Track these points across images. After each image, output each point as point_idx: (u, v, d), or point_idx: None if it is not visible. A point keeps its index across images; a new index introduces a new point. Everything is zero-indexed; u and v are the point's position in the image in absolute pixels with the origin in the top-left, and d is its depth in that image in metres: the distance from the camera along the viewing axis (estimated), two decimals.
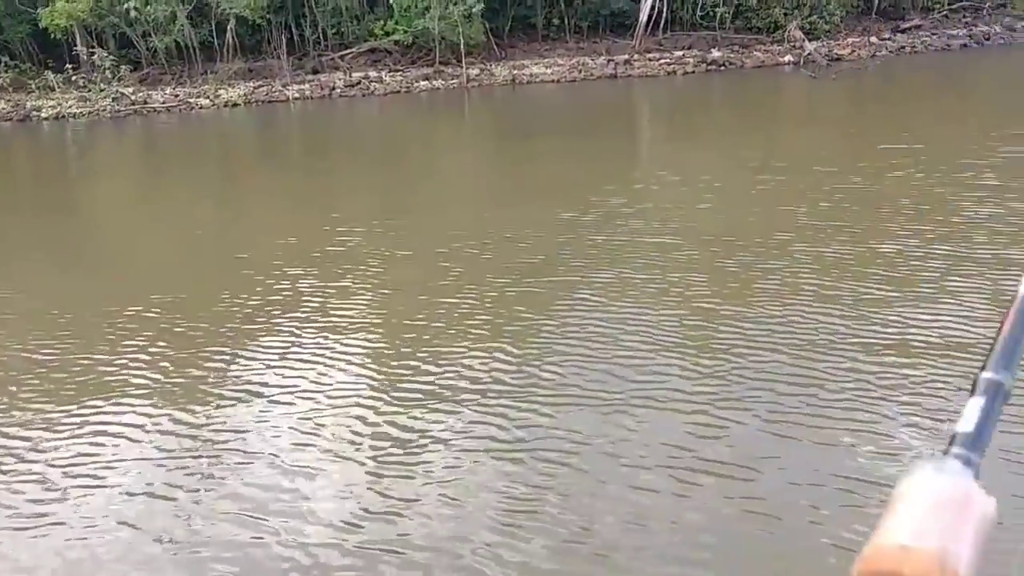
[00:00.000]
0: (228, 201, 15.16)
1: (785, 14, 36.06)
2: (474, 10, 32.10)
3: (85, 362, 6.87)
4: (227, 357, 6.71)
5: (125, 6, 30.47)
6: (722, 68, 32.94)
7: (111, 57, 30.13)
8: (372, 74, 33.61)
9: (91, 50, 30.27)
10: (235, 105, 30.10)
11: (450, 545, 4.09)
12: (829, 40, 35.93)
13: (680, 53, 34.73)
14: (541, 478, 4.67)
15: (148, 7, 30.77)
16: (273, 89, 31.66)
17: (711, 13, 35.38)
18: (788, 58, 33.36)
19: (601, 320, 7.00)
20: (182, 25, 32.12)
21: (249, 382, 6.21)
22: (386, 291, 8.41)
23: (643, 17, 34.93)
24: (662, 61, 33.71)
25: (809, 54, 32.60)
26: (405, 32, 33.36)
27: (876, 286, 7.08)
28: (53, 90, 30.14)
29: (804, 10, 35.83)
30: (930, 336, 5.92)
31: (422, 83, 32.73)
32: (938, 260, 7.48)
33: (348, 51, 35.49)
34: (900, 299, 6.75)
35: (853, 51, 35.02)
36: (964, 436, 0.70)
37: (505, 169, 16.19)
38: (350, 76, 33.34)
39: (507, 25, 38.59)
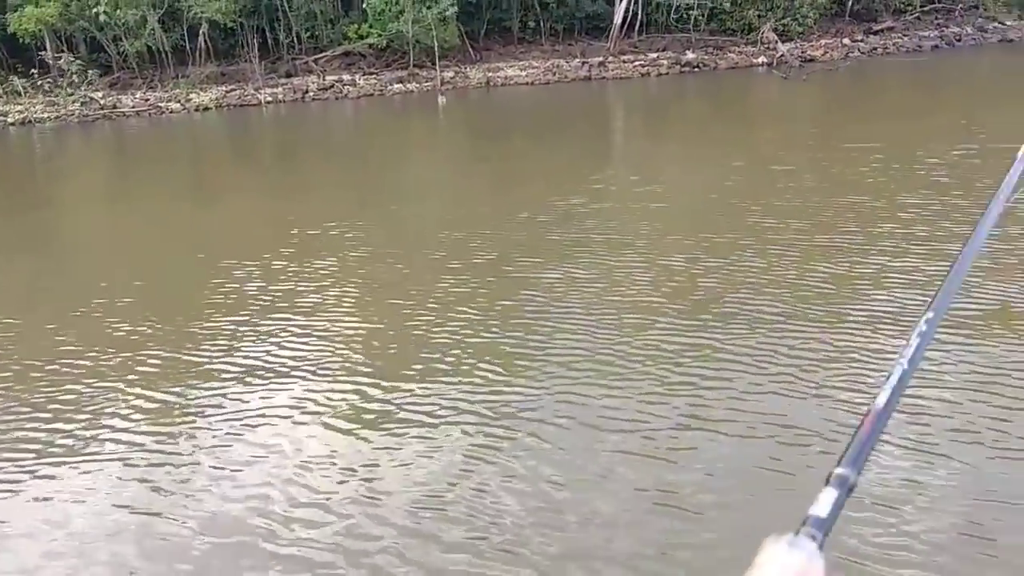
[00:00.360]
0: (192, 201, 14.99)
1: (759, 16, 36.28)
2: (447, 13, 32.06)
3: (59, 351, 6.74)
4: (178, 350, 6.59)
5: (95, 10, 30.18)
6: (696, 69, 33.08)
7: (78, 62, 29.84)
8: (346, 77, 33.48)
9: (57, 55, 29.93)
10: (207, 109, 29.88)
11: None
12: (802, 42, 36.18)
13: (654, 55, 34.85)
14: (457, 471, 4.61)
15: (118, 11, 30.48)
16: (245, 93, 31.47)
17: (685, 16, 35.52)
18: (761, 59, 33.57)
19: (542, 316, 6.95)
20: (153, 29, 31.86)
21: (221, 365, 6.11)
22: (337, 288, 8.30)
23: (617, 19, 35.03)
24: (636, 63, 33.80)
25: (782, 55, 32.80)
26: (379, 35, 33.26)
27: (816, 282, 7.08)
28: (20, 95, 29.77)
29: (777, 12, 36.06)
30: (854, 336, 5.90)
31: (396, 86, 32.62)
32: (879, 254, 7.48)
33: (322, 55, 35.33)
34: (836, 295, 6.75)
35: (826, 52, 35.29)
36: (815, 519, 0.83)
37: (469, 170, 16.16)
38: (323, 79, 33.20)
39: (482, 28, 38.57)
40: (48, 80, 29.98)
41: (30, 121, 28.41)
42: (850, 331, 5.94)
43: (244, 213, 13.16)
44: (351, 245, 9.92)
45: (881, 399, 0.96)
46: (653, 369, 5.65)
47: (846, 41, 36.58)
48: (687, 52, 34.79)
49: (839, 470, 0.89)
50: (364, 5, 32.84)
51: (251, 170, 18.26)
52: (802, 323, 6.16)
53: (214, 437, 5.31)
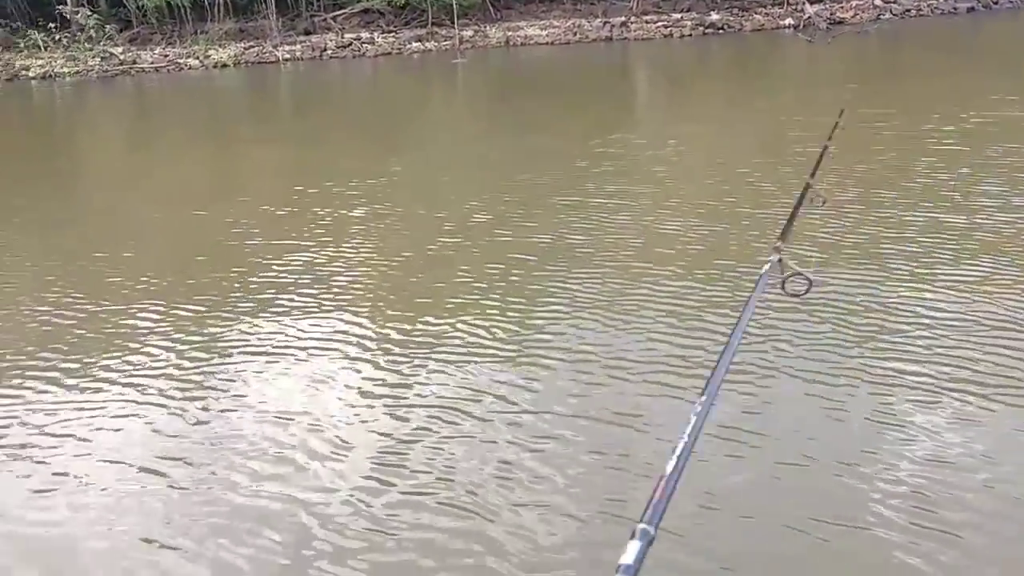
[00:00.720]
0: (200, 158, 15.05)
1: None
2: None
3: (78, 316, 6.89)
4: (205, 314, 6.69)
5: None
6: (720, 31, 32.28)
7: (95, 16, 29.88)
8: (364, 35, 33.19)
9: (75, 9, 29.97)
10: (224, 66, 29.85)
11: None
12: (831, 3, 35.16)
13: (678, 16, 34.07)
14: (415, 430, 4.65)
15: None
16: (264, 50, 31.36)
17: None
18: (788, 21, 32.64)
19: (526, 281, 6.94)
20: None
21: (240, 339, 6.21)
22: (334, 247, 8.30)
23: None
24: (659, 24, 33.06)
25: (809, 17, 31.90)
26: None
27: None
28: (40, 49, 29.95)
29: None
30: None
31: (414, 45, 32.29)
32: (860, 228, 7.34)
33: (341, 11, 35.04)
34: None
35: (856, 14, 34.21)
36: (625, 566, 1.02)
37: (475, 131, 16.01)
38: (342, 37, 32.94)
39: None
40: (67, 35, 30.08)
41: (51, 76, 28.61)
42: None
43: (263, 162, 13.31)
44: (348, 205, 9.93)
45: (669, 466, 1.17)
46: (630, 330, 5.64)
47: (877, 2, 35.39)
48: (712, 13, 33.97)
49: (641, 526, 1.09)
50: None
51: (265, 128, 18.30)
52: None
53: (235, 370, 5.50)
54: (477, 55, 30.68)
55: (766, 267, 1.80)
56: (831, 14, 33.90)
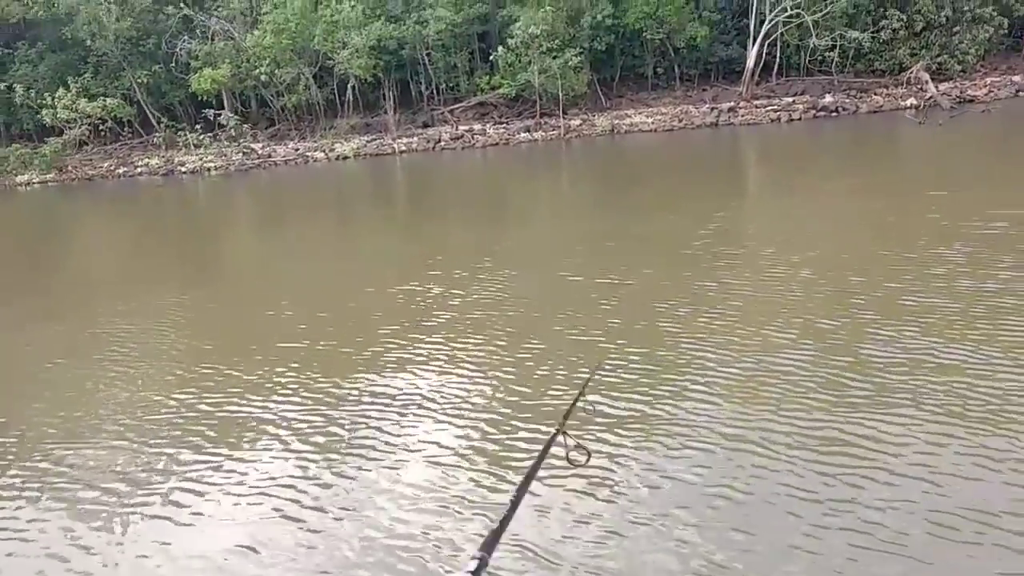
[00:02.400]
0: (300, 233, 16.30)
1: (911, 54, 33.79)
2: (570, 63, 32.70)
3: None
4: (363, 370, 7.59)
5: (257, 71, 33.92)
6: (833, 114, 31.29)
7: (235, 118, 33.63)
8: (477, 127, 35.01)
9: (217, 112, 33.86)
10: (346, 158, 32.43)
11: None
12: (962, 80, 33.24)
13: (790, 99, 33.41)
14: None
15: (276, 71, 34.03)
16: (383, 143, 33.80)
17: (822, 57, 33.83)
18: (910, 102, 31.11)
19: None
20: (307, 85, 35.18)
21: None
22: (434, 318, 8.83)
23: (750, 63, 34.02)
24: (769, 108, 32.56)
25: (931, 97, 30.30)
26: (510, 86, 34.52)
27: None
28: (193, 148, 33.95)
29: (933, 49, 33.43)
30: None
31: (522, 135, 33.63)
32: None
33: (458, 105, 37.23)
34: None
35: (989, 91, 32.11)
36: (478, 562, 1.59)
37: (561, 218, 16.19)
38: (456, 129, 34.91)
39: (616, 75, 38.93)
40: (209, 135, 34.03)
41: (197, 170, 32.36)
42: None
43: (380, 246, 14.54)
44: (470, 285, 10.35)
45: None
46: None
47: (1016, 79, 33.07)
48: (825, 96, 33.08)
49: (479, 552, 1.63)
50: (492, 57, 34.26)
51: (377, 209, 19.83)
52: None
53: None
54: (580, 143, 31.46)
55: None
56: (961, 92, 32.04)
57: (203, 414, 6.88)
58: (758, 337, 7.25)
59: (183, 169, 32.96)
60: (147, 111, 37.69)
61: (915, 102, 30.91)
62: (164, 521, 5.19)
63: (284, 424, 6.45)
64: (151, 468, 5.92)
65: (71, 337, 9.94)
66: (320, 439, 6.12)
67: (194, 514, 5.24)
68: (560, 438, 2.24)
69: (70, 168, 34.93)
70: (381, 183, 27.25)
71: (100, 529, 5.17)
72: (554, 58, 32.90)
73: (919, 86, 31.90)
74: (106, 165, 35.38)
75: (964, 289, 8.01)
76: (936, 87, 31.34)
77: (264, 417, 6.67)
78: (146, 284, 12.99)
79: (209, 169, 32.35)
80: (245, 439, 6.34)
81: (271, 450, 6.04)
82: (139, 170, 34.32)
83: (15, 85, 35.32)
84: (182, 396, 7.34)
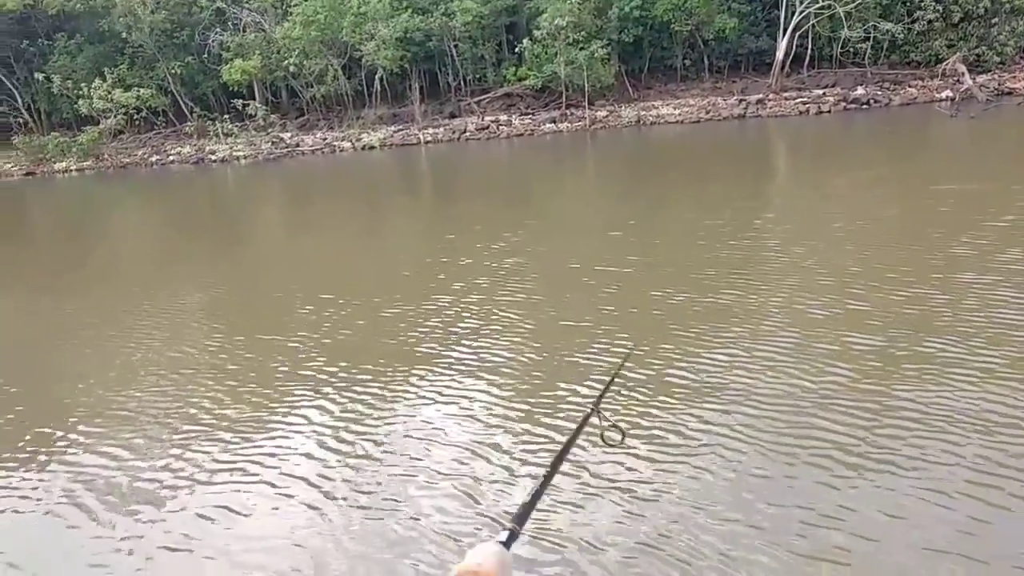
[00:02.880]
0: (314, 221, 16.56)
1: (948, 46, 32.95)
2: (596, 55, 32.53)
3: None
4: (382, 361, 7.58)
5: (286, 62, 34.37)
6: (864, 107, 30.66)
7: (263, 108, 34.14)
8: (503, 117, 35.02)
9: (245, 103, 34.37)
10: (371, 148, 32.71)
11: None
12: (1000, 72, 32.32)
13: (820, 91, 32.82)
14: None
15: (305, 62, 34.44)
16: (409, 133, 34.01)
17: (854, 49, 33.16)
18: (946, 94, 30.30)
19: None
20: (335, 76, 35.54)
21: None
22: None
23: (779, 55, 33.51)
24: (798, 100, 32.00)
25: (967, 89, 29.51)
26: (536, 77, 34.48)
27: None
28: (222, 136, 34.54)
29: (971, 41, 32.56)
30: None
31: (547, 126, 33.55)
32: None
33: (485, 96, 37.28)
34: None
35: None
36: (509, 532, 1.69)
37: (579, 205, 16.15)
38: (482, 120, 34.97)
39: (644, 66, 38.62)
40: (239, 125, 34.59)
41: (227, 159, 32.93)
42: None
43: (395, 233, 14.71)
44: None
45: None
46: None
47: None
48: (857, 88, 32.42)
49: (511, 525, 1.71)
50: (518, 48, 34.24)
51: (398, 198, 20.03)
52: None
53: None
54: (605, 135, 31.32)
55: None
56: (999, 84, 31.16)
57: (244, 377, 7.09)
58: (792, 312, 7.25)
59: (213, 158, 33.56)
60: (180, 101, 38.44)
61: (951, 94, 30.12)
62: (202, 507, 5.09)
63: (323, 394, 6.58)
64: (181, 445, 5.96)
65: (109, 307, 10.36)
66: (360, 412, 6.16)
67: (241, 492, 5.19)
68: (595, 419, 2.22)
69: (106, 156, 35.79)
70: (403, 171, 27.45)
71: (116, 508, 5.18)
72: (580, 49, 32.76)
73: (955, 78, 31.07)
74: (140, 153, 36.19)
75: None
76: (973, 79, 30.52)
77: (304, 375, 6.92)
78: (174, 263, 13.36)
79: (238, 158, 32.90)
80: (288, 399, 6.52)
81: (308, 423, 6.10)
82: (171, 158, 35.04)
83: (52, 76, 36.26)
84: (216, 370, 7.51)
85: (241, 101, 34.44)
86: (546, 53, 33.84)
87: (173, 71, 37.28)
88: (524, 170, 24.91)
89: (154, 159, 35.50)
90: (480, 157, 29.00)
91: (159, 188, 29.13)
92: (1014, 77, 32.26)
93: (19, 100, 39.15)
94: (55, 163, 35.71)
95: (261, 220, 19.91)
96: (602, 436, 2.26)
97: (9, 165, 36.63)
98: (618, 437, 2.28)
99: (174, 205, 24.10)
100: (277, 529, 4.69)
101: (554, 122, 33.93)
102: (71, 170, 35.21)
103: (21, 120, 38.62)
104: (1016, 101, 27.59)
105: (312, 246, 13.99)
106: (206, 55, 37.25)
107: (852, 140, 23.47)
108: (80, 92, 35.09)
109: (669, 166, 21.39)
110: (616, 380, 2.60)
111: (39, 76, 37.11)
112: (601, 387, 2.94)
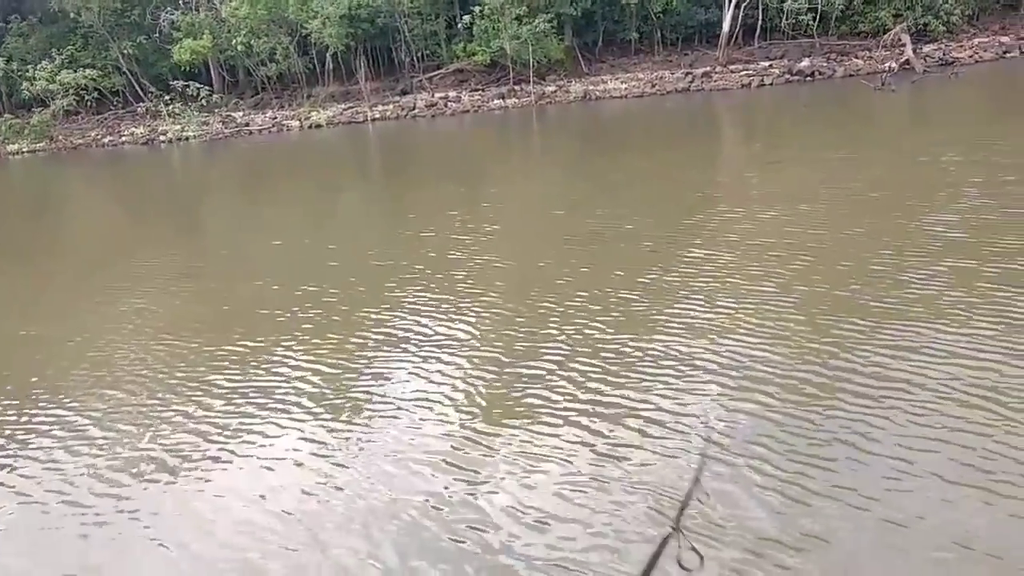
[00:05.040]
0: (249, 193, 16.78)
1: (895, 15, 32.79)
2: (539, 29, 32.43)
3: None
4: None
5: (234, 41, 34.32)
6: (808, 78, 30.60)
7: (205, 88, 34.22)
8: (452, 94, 35.01)
9: (186, 84, 34.39)
10: (318, 126, 32.78)
11: None
12: (947, 42, 32.20)
13: (767, 64, 32.76)
14: None
15: (252, 42, 34.37)
16: (357, 111, 34.05)
17: (799, 21, 33.02)
18: (890, 64, 30.24)
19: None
20: (288, 55, 35.48)
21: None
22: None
23: (725, 27, 33.37)
24: (743, 73, 31.97)
25: (906, 59, 29.46)
26: (484, 53, 34.41)
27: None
28: (178, 116, 34.56)
29: (916, 10, 32.38)
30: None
31: (495, 102, 33.55)
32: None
33: (436, 72, 37.22)
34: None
35: (975, 53, 31.07)
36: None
37: (503, 177, 16.32)
38: (432, 96, 34.97)
39: (598, 40, 38.48)
40: (190, 106, 34.66)
41: (175, 139, 33.13)
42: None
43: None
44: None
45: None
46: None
47: (1005, 39, 31.91)
48: (803, 59, 32.32)
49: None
50: (459, 24, 34.15)
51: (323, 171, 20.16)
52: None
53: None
54: (549, 110, 31.34)
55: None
56: (944, 54, 31.06)
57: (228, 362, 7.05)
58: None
59: (162, 139, 33.68)
60: (133, 82, 38.43)
61: (894, 65, 30.06)
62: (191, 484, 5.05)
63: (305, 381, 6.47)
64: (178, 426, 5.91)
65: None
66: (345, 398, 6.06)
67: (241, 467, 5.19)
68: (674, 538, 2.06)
69: (59, 138, 35.92)
70: (340, 149, 27.57)
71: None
72: (524, 25, 32.67)
73: (899, 48, 31.00)
74: (93, 134, 36.28)
75: None
76: (915, 49, 30.43)
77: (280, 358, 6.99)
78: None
79: (188, 138, 33.01)
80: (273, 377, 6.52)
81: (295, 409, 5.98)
82: (123, 139, 35.16)
83: None
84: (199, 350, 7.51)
85: (181, 82, 34.41)
86: (493, 28, 33.74)
87: (125, 51, 37.22)
88: (457, 145, 25.02)
89: (106, 140, 35.62)
90: (419, 134, 29.06)
91: (102, 168, 29.31)
92: (960, 46, 32.13)
93: None
94: (8, 145, 35.85)
95: (199, 199, 20.13)
96: (679, 562, 2.05)
97: None
98: (696, 560, 2.03)
99: (114, 185, 24.36)
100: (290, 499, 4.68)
101: (502, 98, 33.90)
102: (23, 151, 35.36)
103: None
104: (949, 72, 27.50)
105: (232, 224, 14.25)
106: (157, 34, 37.17)
107: (767, 114, 23.52)
108: (26, 74, 35.13)
109: (587, 140, 21.50)
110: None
111: None
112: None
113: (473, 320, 7.19)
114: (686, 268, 7.87)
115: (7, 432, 6.06)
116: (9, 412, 6.43)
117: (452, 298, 7.92)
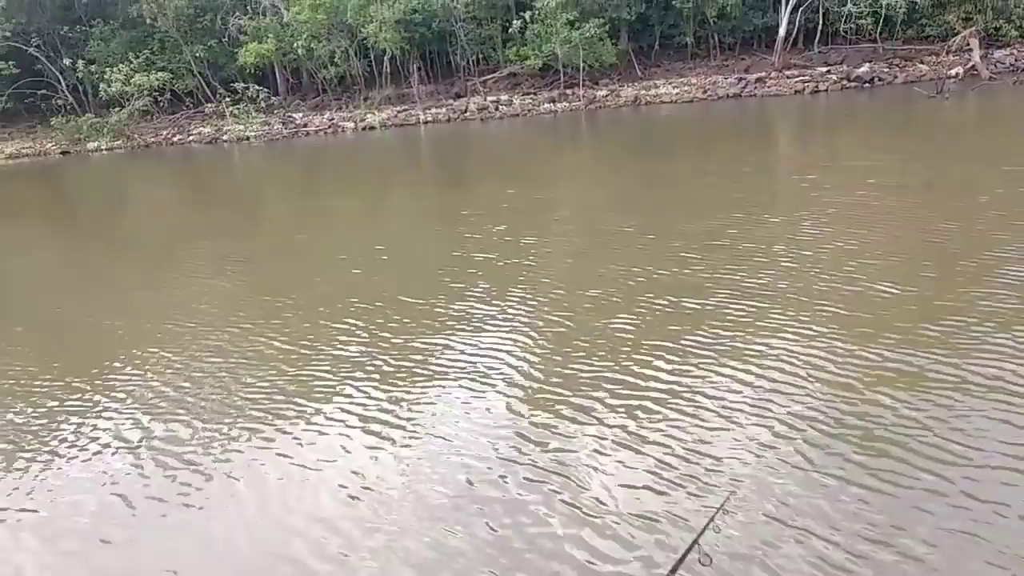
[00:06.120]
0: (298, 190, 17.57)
1: (965, 19, 31.43)
2: (589, 33, 32.44)
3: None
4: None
5: (296, 45, 35.59)
6: (867, 85, 29.64)
7: (264, 90, 35.59)
8: (503, 97, 35.34)
9: (245, 85, 35.78)
10: (372, 128, 33.65)
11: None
12: (1020, 47, 30.63)
13: (825, 69, 31.85)
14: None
15: (315, 45, 35.57)
16: (411, 113, 34.80)
17: (863, 24, 31.98)
18: (957, 70, 29.04)
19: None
20: (345, 58, 36.57)
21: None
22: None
23: (781, 32, 32.65)
24: (798, 79, 31.20)
25: (972, 65, 28.20)
26: (536, 57, 34.64)
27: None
28: (229, 117, 36.10)
29: (987, 13, 30.94)
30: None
31: (545, 106, 33.73)
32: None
33: (490, 76, 37.68)
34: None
35: None
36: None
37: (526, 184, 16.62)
38: (485, 100, 35.40)
39: (654, 44, 38.19)
40: (238, 107, 36.15)
41: (237, 139, 34.59)
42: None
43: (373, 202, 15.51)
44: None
45: None
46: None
47: None
48: (865, 64, 31.30)
49: None
50: (511, 29, 34.43)
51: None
52: None
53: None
54: (598, 115, 31.27)
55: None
56: (1015, 60, 29.59)
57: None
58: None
59: (224, 138, 35.23)
60: (203, 84, 40.28)
61: (960, 71, 28.83)
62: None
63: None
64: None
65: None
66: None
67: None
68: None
69: (135, 136, 37.97)
70: (392, 150, 28.26)
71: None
72: (576, 29, 32.74)
73: (967, 53, 29.69)
74: (164, 133, 38.20)
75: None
76: (983, 54, 29.10)
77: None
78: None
79: (248, 138, 34.42)
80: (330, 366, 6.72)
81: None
82: (191, 138, 36.89)
83: (78, 61, 38.62)
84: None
85: (241, 85, 35.88)
86: (546, 33, 33.94)
87: (197, 55, 39.06)
88: (500, 148, 25.30)
89: (176, 138, 37.44)
90: (467, 137, 29.47)
91: (170, 164, 30.90)
92: None
93: (62, 83, 41.74)
94: (89, 143, 38.11)
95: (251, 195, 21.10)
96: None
97: (50, 145, 39.32)
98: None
99: (177, 179, 25.73)
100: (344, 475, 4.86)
101: (552, 102, 34.03)
102: (102, 149, 37.51)
103: (61, 102, 41.17)
104: (1019, 78, 26.16)
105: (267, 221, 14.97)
106: (226, 39, 38.86)
107: (808, 124, 22.87)
108: (103, 76, 37.28)
109: (620, 149, 21.45)
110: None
111: (66, 61, 39.54)
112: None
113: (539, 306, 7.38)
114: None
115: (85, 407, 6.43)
116: (87, 391, 6.78)
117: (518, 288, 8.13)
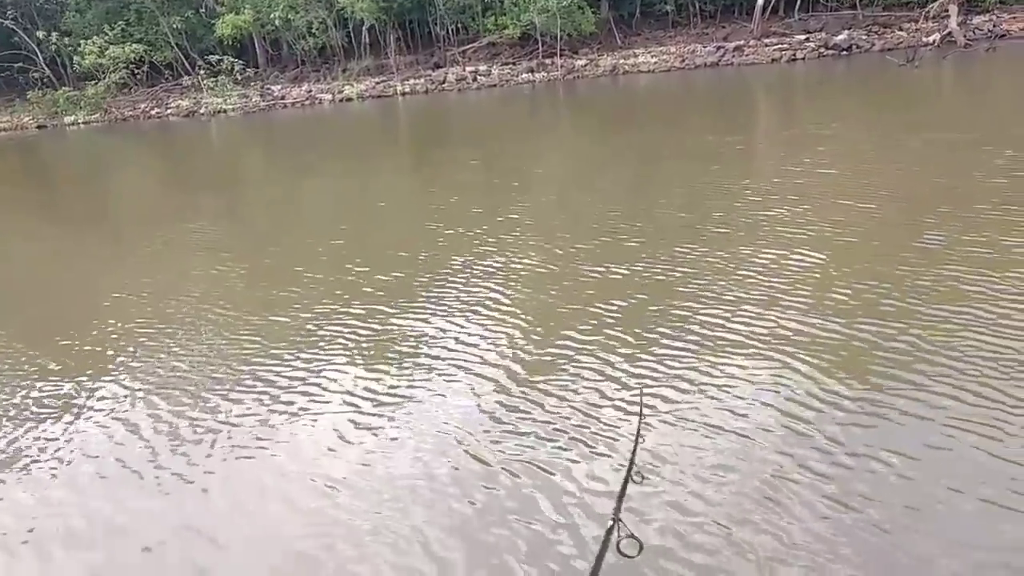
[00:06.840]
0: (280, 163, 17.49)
1: None
2: (566, 2, 32.15)
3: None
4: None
5: (273, 15, 35.21)
6: (844, 52, 29.49)
7: (239, 62, 35.28)
8: (482, 68, 35.11)
9: (219, 57, 35.46)
10: (349, 100, 33.46)
11: None
12: (998, 14, 30.41)
13: (803, 37, 31.63)
14: None
15: (292, 15, 35.20)
16: (388, 84, 34.57)
17: None
18: (934, 37, 28.86)
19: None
20: (323, 29, 36.21)
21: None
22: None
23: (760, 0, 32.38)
24: (776, 47, 31.01)
25: (949, 32, 28.03)
26: (515, 26, 34.34)
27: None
28: (216, 90, 35.84)
29: None
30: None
31: (523, 76, 33.53)
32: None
33: (469, 46, 37.35)
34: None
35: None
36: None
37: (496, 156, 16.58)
38: (463, 70, 35.15)
39: (635, 12, 37.82)
40: (211, 79, 35.88)
41: (214, 112, 34.40)
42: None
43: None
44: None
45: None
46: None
47: None
48: (844, 32, 31.08)
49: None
50: None
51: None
52: None
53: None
54: (575, 84, 31.09)
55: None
56: (994, 26, 29.42)
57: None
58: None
59: (201, 111, 34.99)
60: (181, 56, 39.88)
61: (937, 38, 28.66)
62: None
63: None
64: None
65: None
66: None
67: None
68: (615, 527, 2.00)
69: (112, 109, 37.71)
70: (367, 123, 28.09)
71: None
72: None
73: (944, 20, 29.48)
74: (142, 107, 37.94)
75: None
76: (964, 22, 28.91)
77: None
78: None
79: (224, 111, 34.22)
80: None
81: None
82: (168, 111, 36.66)
83: (52, 33, 38.16)
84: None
85: (216, 57, 35.57)
86: (524, 2, 33.62)
87: (174, 26, 38.63)
88: (475, 118, 25.15)
89: (154, 112, 37.21)
90: (443, 108, 29.30)
91: (139, 138, 30.70)
92: (1014, 18, 30.30)
93: (39, 56, 41.28)
94: (66, 116, 37.85)
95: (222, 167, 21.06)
96: (618, 547, 2.00)
97: (28, 119, 39.06)
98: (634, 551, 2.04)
99: (145, 154, 25.61)
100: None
101: (531, 72, 33.84)
102: (79, 123, 37.28)
103: (39, 75, 40.75)
104: (991, 46, 26.01)
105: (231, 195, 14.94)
106: (204, 9, 38.41)
107: (774, 94, 22.71)
108: (75, 48, 36.88)
109: (585, 118, 21.37)
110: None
111: (40, 33, 39.05)
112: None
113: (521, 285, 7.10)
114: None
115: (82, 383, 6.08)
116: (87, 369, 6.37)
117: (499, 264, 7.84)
